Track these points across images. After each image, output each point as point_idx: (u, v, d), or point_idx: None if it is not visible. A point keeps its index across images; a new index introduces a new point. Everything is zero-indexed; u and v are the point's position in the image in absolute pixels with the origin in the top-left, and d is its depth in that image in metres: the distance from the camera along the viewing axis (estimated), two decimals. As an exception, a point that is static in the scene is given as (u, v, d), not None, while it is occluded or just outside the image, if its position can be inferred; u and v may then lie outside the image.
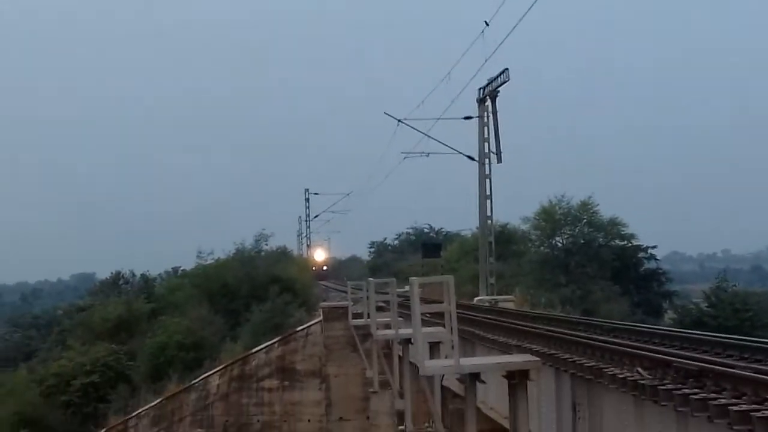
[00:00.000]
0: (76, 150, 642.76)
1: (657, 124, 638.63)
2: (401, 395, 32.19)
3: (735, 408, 12.11)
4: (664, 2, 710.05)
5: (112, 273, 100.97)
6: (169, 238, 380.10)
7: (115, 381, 65.59)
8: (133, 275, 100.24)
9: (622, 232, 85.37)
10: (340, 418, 48.58)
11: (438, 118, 54.37)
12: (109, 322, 77.06)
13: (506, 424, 19.31)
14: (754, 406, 12.10)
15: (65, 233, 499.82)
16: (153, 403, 52.84)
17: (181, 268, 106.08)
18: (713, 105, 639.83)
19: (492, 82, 51.38)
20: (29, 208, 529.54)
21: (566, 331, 24.56)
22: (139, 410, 52.98)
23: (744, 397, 12.68)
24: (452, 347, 17.89)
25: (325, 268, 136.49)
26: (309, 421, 50.38)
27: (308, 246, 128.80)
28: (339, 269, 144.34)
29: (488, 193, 53.30)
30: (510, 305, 48.82)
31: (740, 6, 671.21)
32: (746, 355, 16.75)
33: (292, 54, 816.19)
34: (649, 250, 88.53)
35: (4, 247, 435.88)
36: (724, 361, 15.82)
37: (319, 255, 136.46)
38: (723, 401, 12.66)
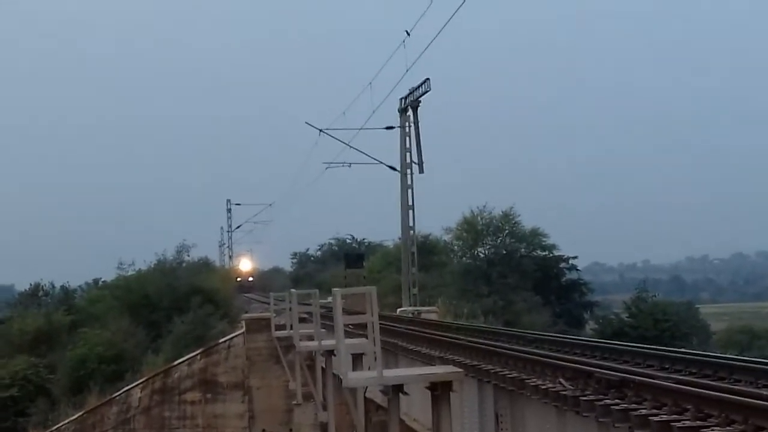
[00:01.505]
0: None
1: (575, 135, 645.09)
2: (324, 407, 32.14)
3: (656, 418, 12.22)
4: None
5: (31, 284, 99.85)
6: (89, 249, 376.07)
7: (35, 394, 64.85)
8: (53, 287, 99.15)
9: (544, 243, 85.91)
10: (263, 430, 48.42)
11: (360, 128, 54.51)
12: (28, 335, 76.12)
13: (429, 435, 19.32)
14: (674, 416, 12.22)
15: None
16: (74, 417, 52.33)
17: (102, 280, 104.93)
18: (636, 129, 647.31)
19: (413, 91, 51.52)
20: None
21: (489, 342, 24.64)
22: (60, 424, 52.47)
23: (664, 408, 12.79)
24: (375, 359, 17.89)
25: (251, 278, 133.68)
26: (232, 433, 50.12)
27: (230, 257, 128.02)
28: (262, 280, 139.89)
29: (410, 203, 53.42)
30: (433, 316, 48.90)
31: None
32: (666, 365, 16.91)
33: (211, 61, 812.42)
34: (571, 261, 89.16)
35: None
36: (645, 371, 15.97)
37: (245, 265, 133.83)
38: (644, 411, 12.77)
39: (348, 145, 55.63)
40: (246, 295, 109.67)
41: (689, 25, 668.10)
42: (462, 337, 26.84)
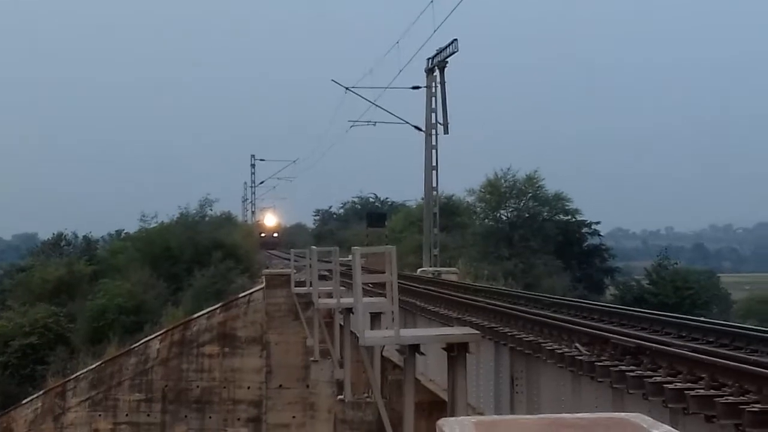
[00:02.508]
0: (20, 110, 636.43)
1: (604, 102, 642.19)
2: (341, 365, 32.31)
3: (670, 386, 12.25)
4: None
5: (54, 234, 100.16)
6: (112, 200, 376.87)
7: (54, 343, 65.11)
8: (76, 237, 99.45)
9: (567, 207, 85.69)
10: (280, 385, 48.62)
11: (386, 87, 54.38)
12: (49, 284, 76.40)
13: (445, 396, 19.39)
14: (688, 384, 12.24)
15: (6, 192, 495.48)
16: (92, 366, 52.55)
17: (124, 231, 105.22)
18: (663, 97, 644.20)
19: (441, 52, 51.37)
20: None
21: (507, 304, 24.67)
22: (78, 373, 52.66)
23: (679, 376, 12.81)
24: (393, 318, 17.96)
25: (275, 234, 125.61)
26: (249, 388, 50.30)
27: (253, 212, 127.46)
28: (286, 236, 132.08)
29: (434, 163, 53.41)
30: (453, 277, 48.93)
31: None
32: (683, 334, 16.92)
33: (239, 18, 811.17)
34: (593, 226, 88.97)
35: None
36: (662, 338, 15.98)
37: (270, 220, 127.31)
38: (658, 379, 12.79)
39: (374, 103, 55.64)
40: (270, 251, 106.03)
41: None
42: (480, 299, 26.88)
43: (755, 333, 15.83)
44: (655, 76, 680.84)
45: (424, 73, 53.13)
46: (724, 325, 17.96)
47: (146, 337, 53.70)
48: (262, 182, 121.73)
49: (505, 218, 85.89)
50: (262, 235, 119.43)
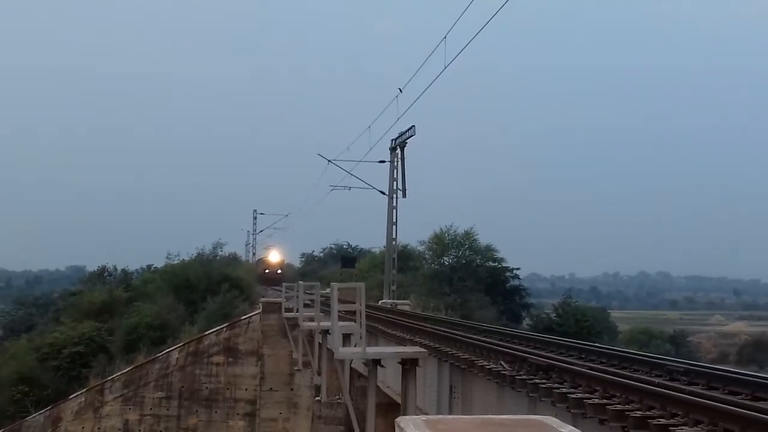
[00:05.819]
0: (80, 168, 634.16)
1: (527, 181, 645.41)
2: (319, 373, 32.18)
3: (572, 396, 12.27)
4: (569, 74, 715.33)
5: (99, 266, 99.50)
6: (145, 240, 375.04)
7: (97, 351, 64.53)
8: (116, 269, 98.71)
9: (495, 256, 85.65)
10: (271, 388, 48.25)
11: (359, 161, 54.67)
12: (94, 305, 75.78)
13: (399, 399, 19.30)
14: (586, 394, 12.27)
15: (64, 231, 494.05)
16: (125, 371, 52.04)
17: (153, 266, 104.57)
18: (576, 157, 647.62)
19: (402, 135, 51.60)
20: (35, 211, 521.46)
21: (448, 330, 24.61)
22: (114, 375, 52.17)
23: (580, 388, 12.83)
24: (360, 338, 17.93)
25: (279, 271, 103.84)
26: (246, 390, 49.92)
27: (254, 254, 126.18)
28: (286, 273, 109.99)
29: (394, 220, 53.42)
30: (406, 308, 48.82)
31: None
32: (583, 356, 16.93)
33: (249, 98, 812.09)
34: (514, 271, 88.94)
35: (15, 240, 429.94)
36: (567, 359, 15.98)
37: (274, 256, 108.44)
38: (564, 390, 12.80)
39: (349, 173, 55.81)
40: (275, 287, 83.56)
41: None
42: (427, 325, 26.83)
43: (637, 356, 15.86)
44: (571, 134, 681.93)
45: (389, 151, 53.29)
46: (613, 349, 17.97)
47: (168, 348, 53.29)
48: (261, 231, 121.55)
49: (447, 263, 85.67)
50: (266, 271, 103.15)
